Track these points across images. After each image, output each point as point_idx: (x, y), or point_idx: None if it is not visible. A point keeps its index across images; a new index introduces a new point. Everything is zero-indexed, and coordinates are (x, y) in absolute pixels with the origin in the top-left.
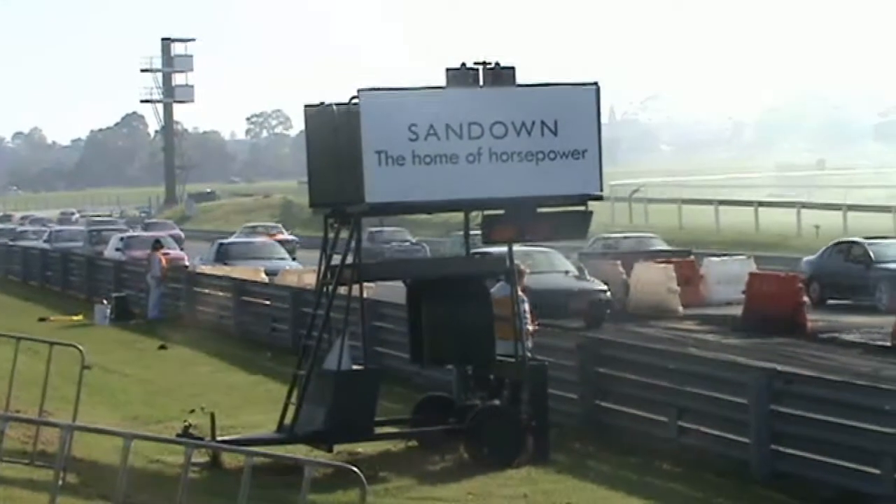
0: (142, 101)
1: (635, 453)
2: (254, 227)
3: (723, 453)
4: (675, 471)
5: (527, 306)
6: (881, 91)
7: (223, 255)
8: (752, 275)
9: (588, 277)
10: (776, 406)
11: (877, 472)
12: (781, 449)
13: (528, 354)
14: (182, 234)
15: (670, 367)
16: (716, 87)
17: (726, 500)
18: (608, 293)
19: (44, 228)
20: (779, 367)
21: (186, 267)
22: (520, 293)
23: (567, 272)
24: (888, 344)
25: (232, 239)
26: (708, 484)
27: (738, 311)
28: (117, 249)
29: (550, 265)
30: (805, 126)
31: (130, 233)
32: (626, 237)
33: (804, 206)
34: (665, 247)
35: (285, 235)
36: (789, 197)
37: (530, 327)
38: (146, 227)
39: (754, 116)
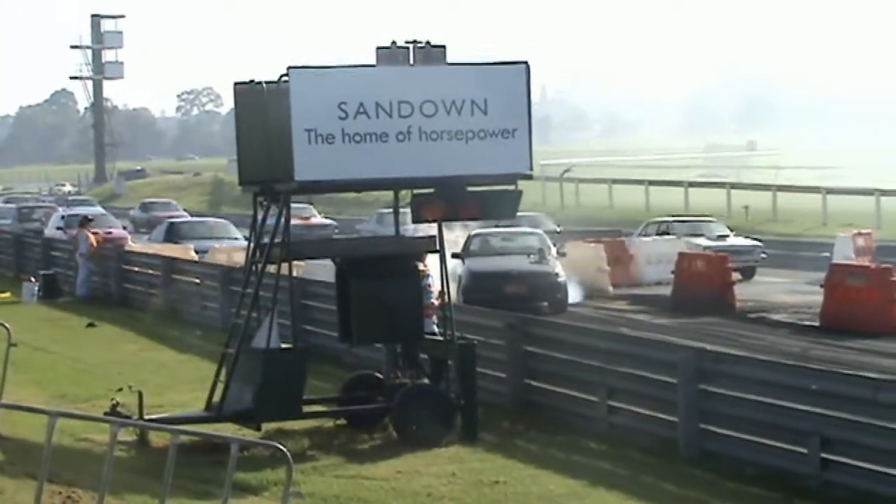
0: (71, 78)
1: (564, 432)
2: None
3: (651, 432)
4: (603, 449)
5: (431, 282)
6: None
7: (173, 234)
8: (681, 255)
9: (547, 260)
10: (705, 385)
11: (803, 451)
12: (709, 428)
13: (437, 330)
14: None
15: (600, 346)
16: (647, 68)
17: (654, 478)
18: (560, 277)
19: None
20: (708, 347)
21: (122, 246)
22: (424, 269)
23: (530, 255)
24: (816, 324)
25: (183, 218)
26: (636, 462)
27: (667, 290)
28: (58, 228)
29: (520, 247)
30: (734, 107)
31: (71, 211)
32: (682, 220)
33: (734, 186)
34: (725, 231)
35: (319, 219)
36: (719, 177)
37: (435, 301)
38: (70, 205)
39: (684, 97)
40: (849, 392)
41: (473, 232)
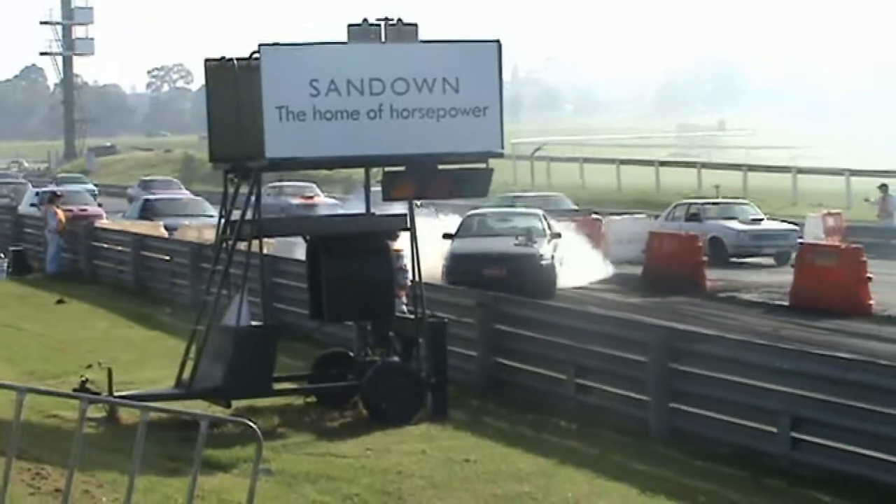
0: (41, 54)
1: (534, 411)
2: (280, 186)
3: (622, 411)
4: (573, 428)
5: (404, 262)
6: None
7: (148, 211)
8: (652, 234)
9: (534, 242)
10: (675, 364)
11: (774, 430)
12: (680, 407)
13: (406, 310)
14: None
15: (570, 324)
16: (618, 48)
17: (623, 457)
18: (545, 260)
19: None
20: (678, 326)
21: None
22: (398, 249)
23: (518, 237)
24: (787, 304)
25: (158, 195)
26: (606, 441)
27: (638, 269)
28: (32, 205)
29: (513, 228)
30: (705, 87)
31: (46, 187)
32: (714, 203)
33: (704, 165)
34: (759, 214)
35: (322, 198)
36: (690, 157)
37: (409, 282)
38: (58, 182)
39: (656, 77)
40: (819, 371)
41: (470, 212)
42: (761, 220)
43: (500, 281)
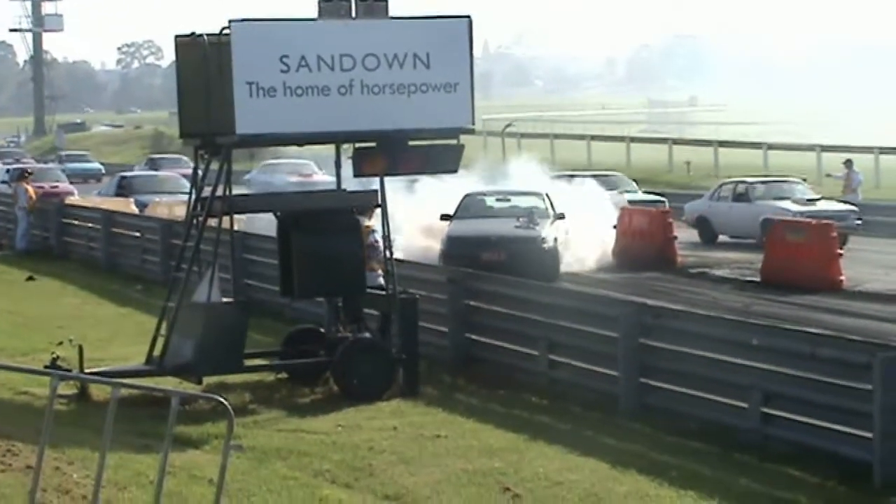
0: (10, 30)
1: (505, 386)
2: (276, 164)
3: (592, 387)
4: (544, 404)
5: (377, 237)
6: (750, 30)
7: (125, 188)
8: (622, 209)
9: (536, 224)
10: (645, 340)
11: (744, 405)
12: (650, 382)
13: (381, 282)
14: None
15: (541, 300)
16: (589, 24)
17: (594, 432)
18: (548, 243)
19: None
20: (648, 302)
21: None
22: (369, 225)
23: (519, 217)
24: (757, 279)
25: (134, 172)
26: (576, 417)
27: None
28: (2, 182)
29: (514, 209)
30: (676, 64)
31: (16, 164)
32: (763, 181)
33: (675, 142)
34: (814, 195)
35: (320, 176)
36: (661, 133)
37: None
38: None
39: (627, 53)
40: (789, 347)
41: (469, 191)
42: (817, 199)
43: (500, 265)
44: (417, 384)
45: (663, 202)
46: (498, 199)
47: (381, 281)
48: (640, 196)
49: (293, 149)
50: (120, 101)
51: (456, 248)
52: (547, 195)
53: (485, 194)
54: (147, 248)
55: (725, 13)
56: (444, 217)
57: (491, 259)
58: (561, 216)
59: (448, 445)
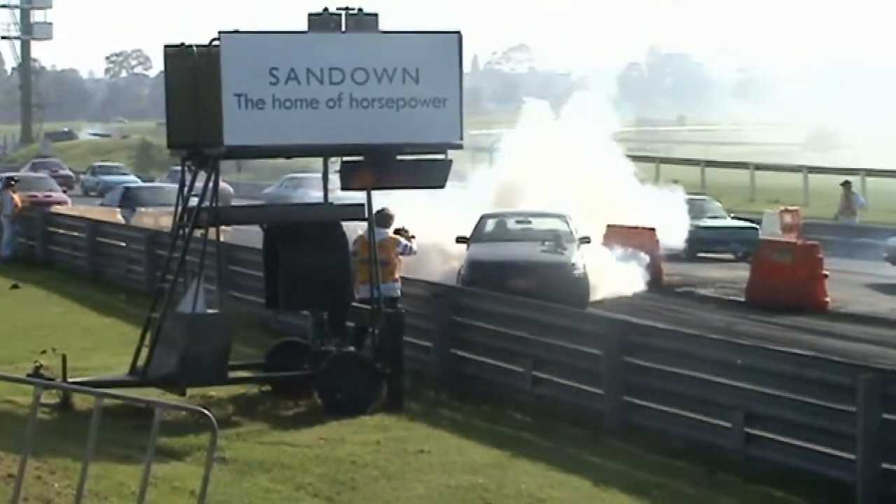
0: None
1: (489, 402)
2: (300, 178)
3: (576, 404)
4: (528, 420)
5: (411, 244)
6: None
7: (129, 199)
8: (609, 227)
9: (563, 248)
10: (630, 358)
11: (727, 425)
12: (634, 401)
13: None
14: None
15: (526, 317)
16: (578, 41)
17: (578, 449)
18: (578, 269)
19: None
20: (633, 320)
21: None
22: (390, 235)
23: (544, 242)
24: (742, 299)
25: (139, 183)
26: (560, 434)
27: None
28: None
29: (537, 232)
30: (666, 82)
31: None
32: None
33: (663, 160)
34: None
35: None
36: (649, 151)
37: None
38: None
39: (616, 71)
40: (773, 367)
41: (485, 212)
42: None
43: (529, 293)
44: (402, 399)
45: (755, 229)
46: (518, 221)
47: (398, 292)
48: (727, 223)
49: (319, 161)
50: (107, 110)
51: (479, 273)
52: (568, 217)
53: (504, 215)
54: (132, 258)
55: (716, 32)
56: (461, 240)
57: (520, 286)
58: (586, 239)
59: (431, 461)
